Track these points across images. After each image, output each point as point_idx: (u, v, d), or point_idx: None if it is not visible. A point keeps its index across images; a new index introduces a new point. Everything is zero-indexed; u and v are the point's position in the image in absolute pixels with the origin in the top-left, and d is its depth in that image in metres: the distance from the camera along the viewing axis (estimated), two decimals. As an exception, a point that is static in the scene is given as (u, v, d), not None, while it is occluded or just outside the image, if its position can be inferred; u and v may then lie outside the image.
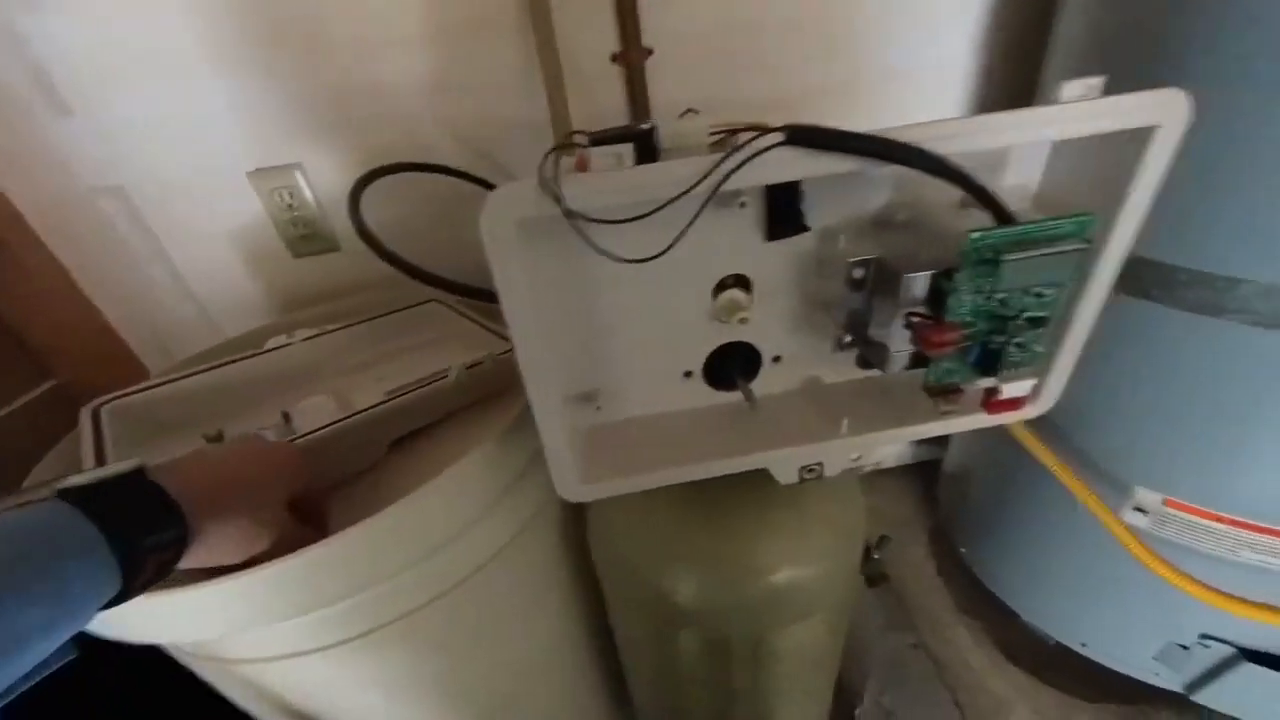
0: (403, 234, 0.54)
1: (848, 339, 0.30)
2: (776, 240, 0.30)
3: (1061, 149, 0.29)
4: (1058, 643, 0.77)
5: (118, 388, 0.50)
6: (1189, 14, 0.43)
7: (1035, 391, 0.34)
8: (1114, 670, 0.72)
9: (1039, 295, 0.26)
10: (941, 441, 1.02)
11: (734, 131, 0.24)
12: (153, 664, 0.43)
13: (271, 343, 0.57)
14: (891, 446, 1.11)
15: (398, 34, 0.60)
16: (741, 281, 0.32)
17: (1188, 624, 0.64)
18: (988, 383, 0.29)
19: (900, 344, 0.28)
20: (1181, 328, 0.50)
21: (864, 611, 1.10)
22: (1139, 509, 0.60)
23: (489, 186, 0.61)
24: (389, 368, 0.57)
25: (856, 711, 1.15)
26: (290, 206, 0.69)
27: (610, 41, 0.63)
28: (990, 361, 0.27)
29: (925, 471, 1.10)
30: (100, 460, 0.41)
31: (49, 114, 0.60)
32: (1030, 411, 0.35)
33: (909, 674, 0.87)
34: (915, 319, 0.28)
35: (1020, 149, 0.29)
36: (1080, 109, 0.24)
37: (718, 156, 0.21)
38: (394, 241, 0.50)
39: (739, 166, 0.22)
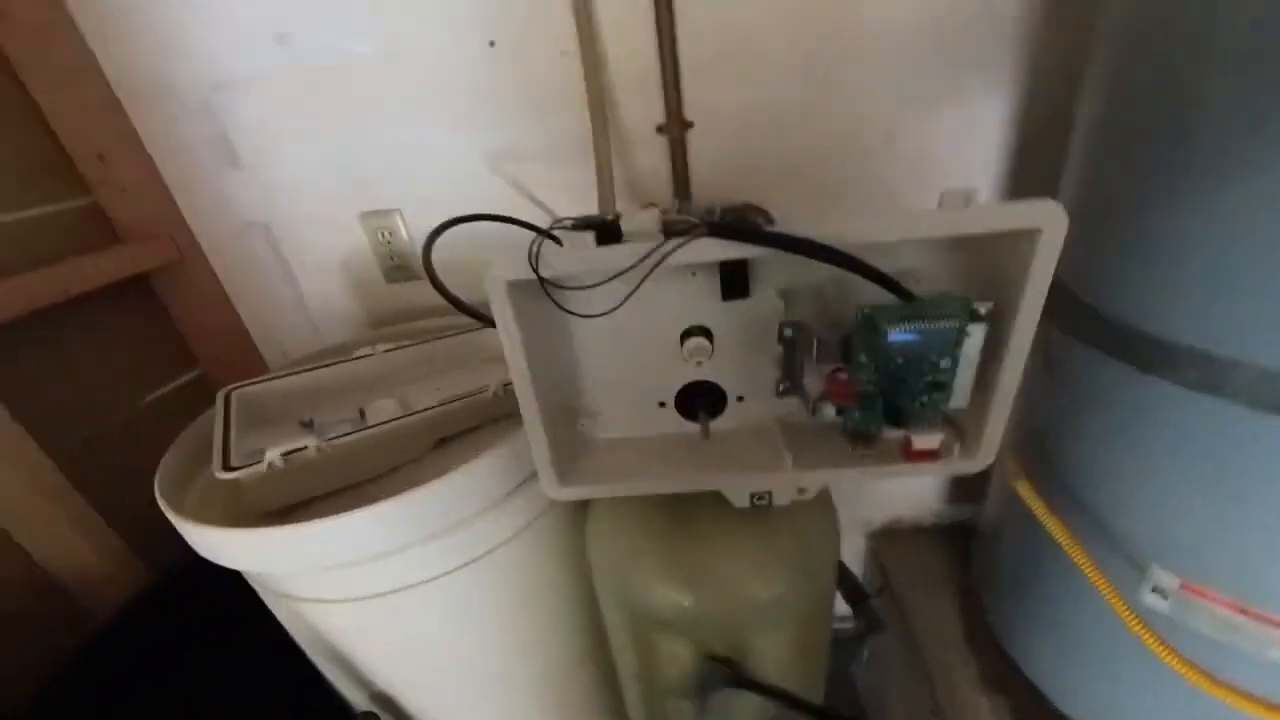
0: (477, 267, 0.66)
1: (784, 386, 0.35)
2: (729, 301, 0.37)
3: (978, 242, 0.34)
4: (1087, 730, 0.72)
5: (243, 378, 0.65)
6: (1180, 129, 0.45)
7: (972, 449, 0.38)
8: (1146, 769, 0.67)
9: (933, 363, 0.31)
10: (980, 500, 0.99)
11: (679, 221, 0.31)
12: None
13: (358, 352, 0.70)
14: (930, 502, 1.09)
15: (479, 109, 0.74)
16: (705, 331, 0.39)
17: (1224, 726, 0.59)
18: (898, 433, 0.33)
19: (816, 393, 0.33)
20: (1183, 405, 0.50)
21: (889, 668, 1.07)
22: (1157, 591, 0.58)
23: (541, 233, 0.72)
24: (448, 380, 0.69)
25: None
26: (389, 242, 0.84)
27: (657, 115, 0.73)
28: (896, 415, 0.32)
29: (965, 532, 1.06)
30: (226, 434, 0.54)
31: (225, 166, 0.79)
32: (967, 466, 0.39)
33: (923, 740, 0.84)
34: (837, 375, 0.33)
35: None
36: (971, 214, 0.30)
37: (652, 245, 0.29)
38: (465, 274, 0.61)
39: (669, 253, 0.29)
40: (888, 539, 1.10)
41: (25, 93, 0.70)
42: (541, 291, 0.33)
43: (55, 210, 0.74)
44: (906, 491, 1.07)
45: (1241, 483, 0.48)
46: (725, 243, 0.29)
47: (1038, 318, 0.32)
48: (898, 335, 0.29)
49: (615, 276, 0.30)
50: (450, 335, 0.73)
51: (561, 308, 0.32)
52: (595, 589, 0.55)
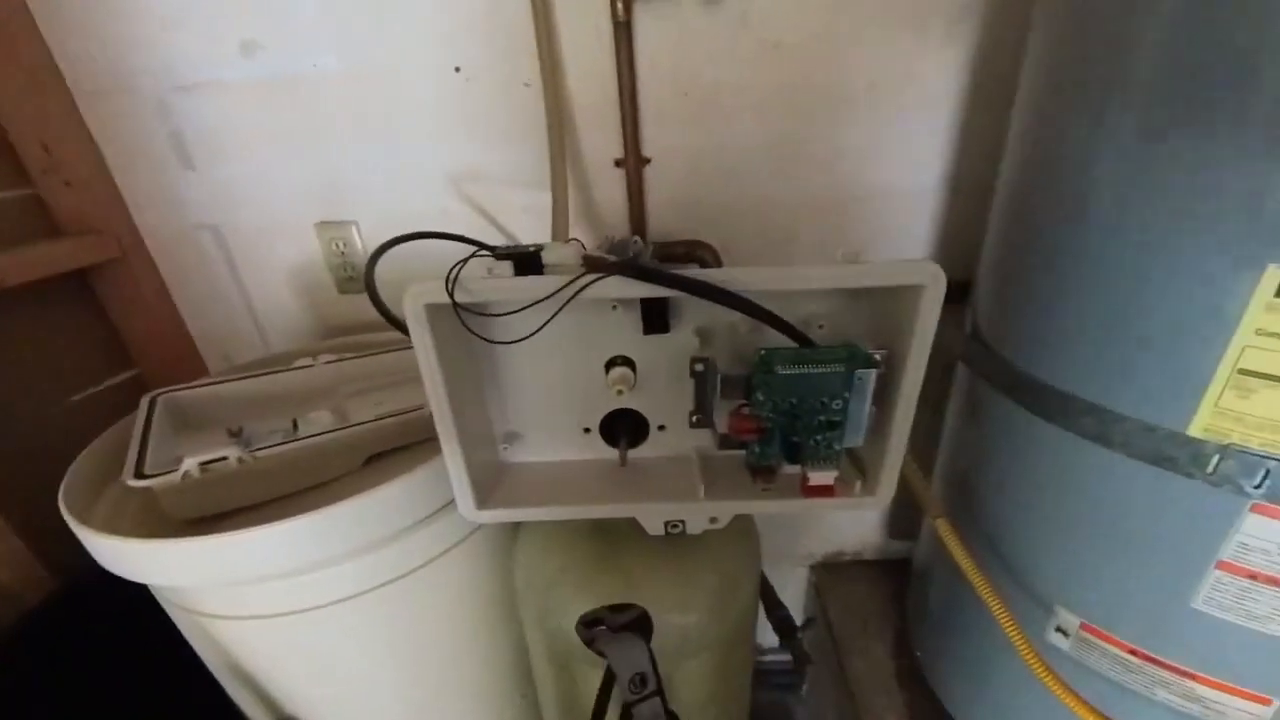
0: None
1: (696, 418, 0.37)
2: (650, 335, 0.39)
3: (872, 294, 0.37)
4: (1003, 767, 0.74)
5: (181, 382, 0.64)
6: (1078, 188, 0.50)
7: (873, 486, 0.40)
8: (1054, 805, 0.69)
9: (823, 404, 0.33)
10: (916, 537, 1.02)
11: (598, 258, 0.33)
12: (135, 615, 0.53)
13: (299, 363, 0.69)
14: (871, 536, 1.12)
15: (443, 130, 0.75)
16: (628, 362, 0.40)
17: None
18: (794, 469, 0.35)
19: (724, 427, 0.35)
20: (1079, 453, 0.53)
21: (824, 701, 1.08)
22: (1060, 630, 0.61)
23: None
24: (390, 396, 0.68)
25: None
26: (343, 253, 0.84)
27: (615, 149, 0.76)
28: (793, 451, 0.34)
29: (904, 568, 1.09)
30: (145, 439, 0.53)
31: (178, 167, 0.79)
32: (869, 503, 0.41)
33: (850, 775, 0.85)
34: (742, 409, 0.35)
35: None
36: (859, 269, 0.32)
37: (566, 278, 0.31)
38: None
39: (583, 288, 0.31)
40: (828, 572, 1.12)
41: (-32, 79, 0.68)
42: (474, 317, 0.34)
43: (-9, 199, 0.72)
44: (848, 525, 1.10)
45: (1128, 530, 0.52)
46: (635, 282, 0.31)
47: (925, 364, 0.35)
48: (789, 376, 0.31)
49: (527, 307, 0.31)
50: (396, 350, 0.72)
51: (472, 331, 0.33)
52: (520, 614, 0.55)
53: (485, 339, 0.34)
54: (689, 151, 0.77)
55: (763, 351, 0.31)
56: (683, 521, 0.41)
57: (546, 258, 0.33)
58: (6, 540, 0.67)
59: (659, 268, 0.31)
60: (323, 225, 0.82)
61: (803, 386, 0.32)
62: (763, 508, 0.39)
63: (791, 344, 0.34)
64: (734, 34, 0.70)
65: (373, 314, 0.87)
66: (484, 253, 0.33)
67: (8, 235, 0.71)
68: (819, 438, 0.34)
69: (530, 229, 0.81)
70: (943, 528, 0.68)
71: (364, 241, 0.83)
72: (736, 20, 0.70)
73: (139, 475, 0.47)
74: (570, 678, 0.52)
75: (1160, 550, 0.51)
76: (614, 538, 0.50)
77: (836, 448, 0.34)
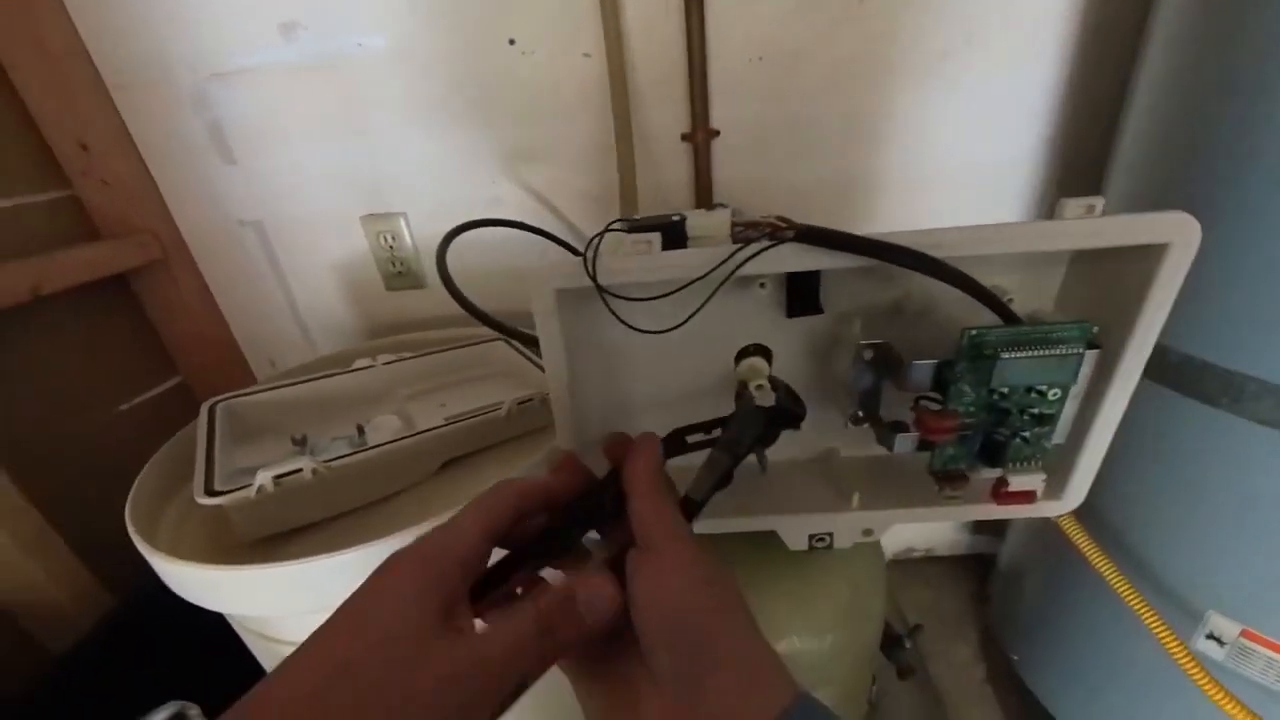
0: (482, 278, 0.63)
1: (859, 415, 0.31)
2: (795, 318, 0.33)
3: (1084, 258, 0.31)
4: (1122, 781, 0.68)
5: (228, 388, 0.59)
6: (1245, 136, 0.43)
7: (1058, 489, 0.34)
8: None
9: (1041, 394, 0.27)
10: (999, 532, 0.95)
11: (755, 224, 0.27)
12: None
13: (357, 364, 0.65)
14: (944, 531, 1.06)
15: (495, 109, 0.70)
16: (763, 351, 0.35)
17: (1277, 783, 0.55)
18: (994, 473, 0.29)
19: (897, 424, 0.29)
20: (1249, 440, 0.47)
21: (902, 709, 1.02)
22: (1213, 637, 0.55)
23: (559, 242, 0.68)
24: (452, 396, 0.63)
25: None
26: (391, 248, 0.79)
27: (682, 122, 0.70)
28: (995, 452, 0.28)
29: (982, 564, 1.03)
30: (210, 452, 0.48)
31: (218, 161, 0.74)
32: (1052, 508, 0.35)
33: (945, 789, 0.79)
34: (922, 404, 0.29)
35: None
36: (1094, 225, 0.26)
37: (732, 248, 0.25)
38: (471, 284, 0.56)
39: (751, 257, 0.25)
40: (900, 570, 1.05)
41: (3, 74, 0.64)
42: (583, 303, 0.29)
43: (29, 202, 0.68)
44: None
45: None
46: (816, 250, 0.26)
47: (1153, 344, 0.29)
48: (1010, 362, 0.25)
49: (686, 286, 0.26)
50: (454, 348, 0.68)
51: (625, 323, 0.28)
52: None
53: (637, 330, 0.28)
54: (760, 124, 0.71)
55: (973, 333, 0.26)
56: (830, 534, 0.36)
57: (691, 228, 0.28)
58: (63, 558, 0.63)
59: (847, 233, 0.25)
60: (369, 218, 0.77)
61: (1023, 374, 0.26)
62: (934, 516, 0.33)
63: (989, 321, 0.28)
64: (816, -11, 0.64)
65: (423, 311, 0.83)
66: (616, 226, 0.28)
67: (45, 239, 0.68)
68: (1027, 434, 0.28)
69: (590, 214, 0.75)
70: (1068, 525, 0.61)
71: (413, 235, 0.78)
72: (818, -27, 0.63)
73: (209, 492, 0.43)
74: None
75: (1359, 551, 0.44)
76: (721, 549, 0.44)
77: (1048, 445, 0.28)
